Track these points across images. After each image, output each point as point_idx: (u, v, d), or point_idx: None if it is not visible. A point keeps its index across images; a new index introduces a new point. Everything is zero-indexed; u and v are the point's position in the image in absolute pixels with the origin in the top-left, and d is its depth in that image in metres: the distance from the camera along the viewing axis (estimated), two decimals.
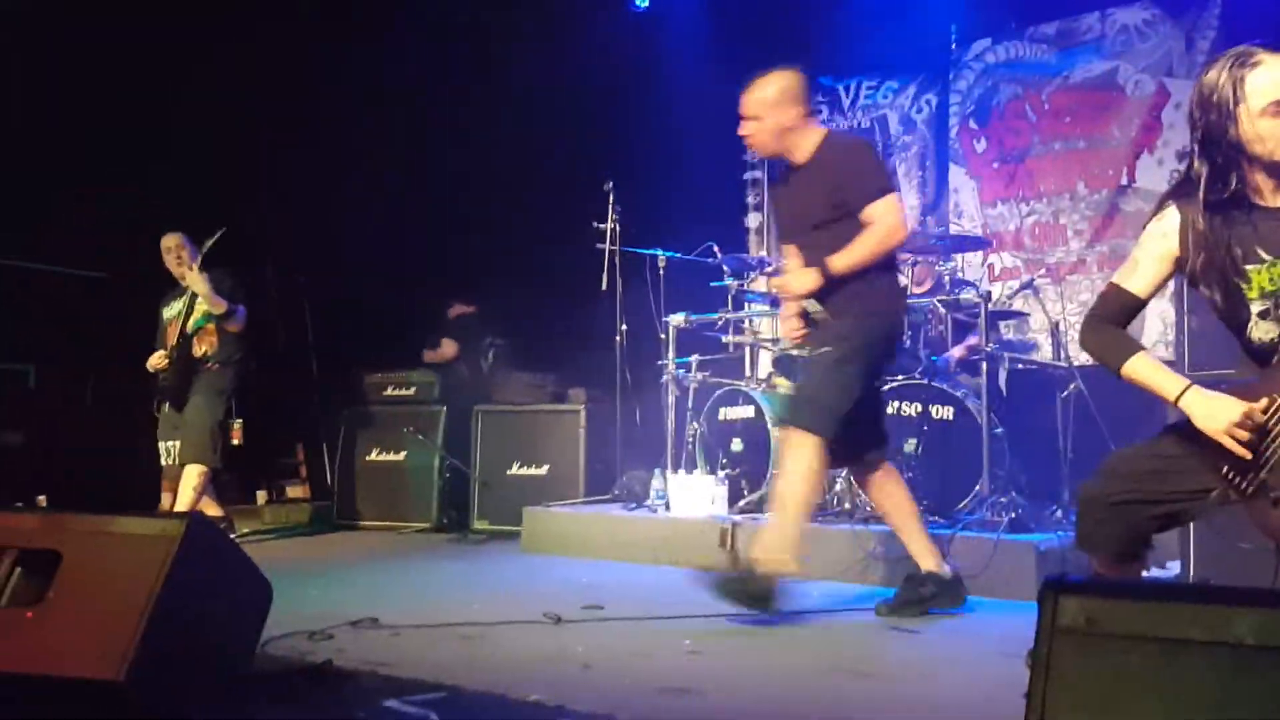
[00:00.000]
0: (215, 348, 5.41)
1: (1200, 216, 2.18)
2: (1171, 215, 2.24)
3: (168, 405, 5.40)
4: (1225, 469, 2.10)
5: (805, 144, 3.58)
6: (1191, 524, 3.38)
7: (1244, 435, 2.03)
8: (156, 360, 5.40)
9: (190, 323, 5.38)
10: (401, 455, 6.39)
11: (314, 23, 6.56)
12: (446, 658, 2.88)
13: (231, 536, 4.88)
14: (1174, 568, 4.11)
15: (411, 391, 6.55)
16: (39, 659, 1.99)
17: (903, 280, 3.69)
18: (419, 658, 2.85)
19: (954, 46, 6.77)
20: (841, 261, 3.43)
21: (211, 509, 5.36)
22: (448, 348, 6.85)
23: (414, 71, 6.76)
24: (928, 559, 3.57)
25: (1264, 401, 2.05)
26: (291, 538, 6.07)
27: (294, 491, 7.00)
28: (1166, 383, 2.16)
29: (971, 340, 5.11)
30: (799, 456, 3.43)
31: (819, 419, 3.39)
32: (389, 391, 6.59)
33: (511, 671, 2.73)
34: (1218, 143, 2.15)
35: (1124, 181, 6.13)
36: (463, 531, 6.03)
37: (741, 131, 3.63)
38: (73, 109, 5.87)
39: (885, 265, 3.55)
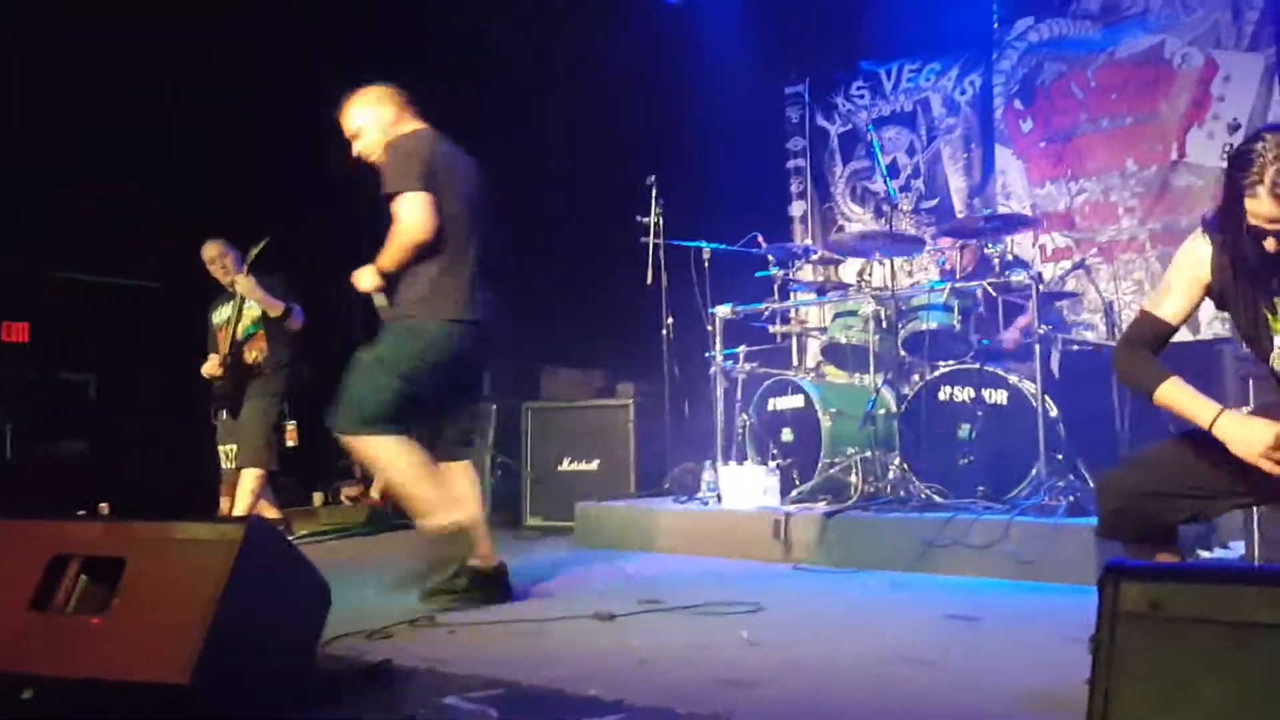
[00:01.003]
0: (266, 353, 5.47)
1: (1231, 246, 2.19)
2: (1204, 242, 2.26)
3: (224, 411, 5.48)
4: (1265, 492, 2.13)
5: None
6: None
7: (1274, 461, 2.04)
8: (210, 367, 5.48)
9: (240, 329, 5.45)
10: None
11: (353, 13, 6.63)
12: (504, 654, 2.90)
13: (289, 538, 4.96)
14: (1237, 548, 4.04)
15: None
16: (107, 665, 2.03)
17: (481, 292, 3.60)
18: (477, 655, 2.87)
19: (996, 26, 6.69)
20: (382, 260, 3.46)
21: (269, 512, 5.45)
22: None
23: (454, 68, 6.81)
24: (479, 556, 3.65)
25: None
26: (348, 538, 6.14)
27: (350, 492, 7.09)
28: (1199, 409, 2.17)
29: (1022, 321, 5.05)
30: (380, 460, 3.54)
31: (347, 420, 3.47)
32: None
33: (569, 666, 2.74)
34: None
35: (1174, 157, 6.02)
36: (516, 528, 6.07)
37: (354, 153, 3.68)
38: (115, 117, 5.98)
39: (445, 267, 3.50)
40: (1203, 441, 2.17)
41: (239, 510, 5.16)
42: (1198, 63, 5.96)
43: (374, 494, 6.75)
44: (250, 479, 5.26)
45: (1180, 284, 2.30)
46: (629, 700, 2.38)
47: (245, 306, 5.41)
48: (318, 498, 7.02)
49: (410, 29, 6.79)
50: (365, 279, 3.55)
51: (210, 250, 5.53)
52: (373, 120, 3.65)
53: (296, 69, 6.56)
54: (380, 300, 3.58)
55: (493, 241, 3.75)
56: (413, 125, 3.66)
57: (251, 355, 5.48)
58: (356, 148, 3.69)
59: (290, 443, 5.50)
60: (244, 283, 5.33)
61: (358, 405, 3.49)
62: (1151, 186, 6.10)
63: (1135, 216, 6.18)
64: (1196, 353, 5.17)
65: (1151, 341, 2.32)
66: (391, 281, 3.53)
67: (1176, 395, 2.22)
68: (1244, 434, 2.09)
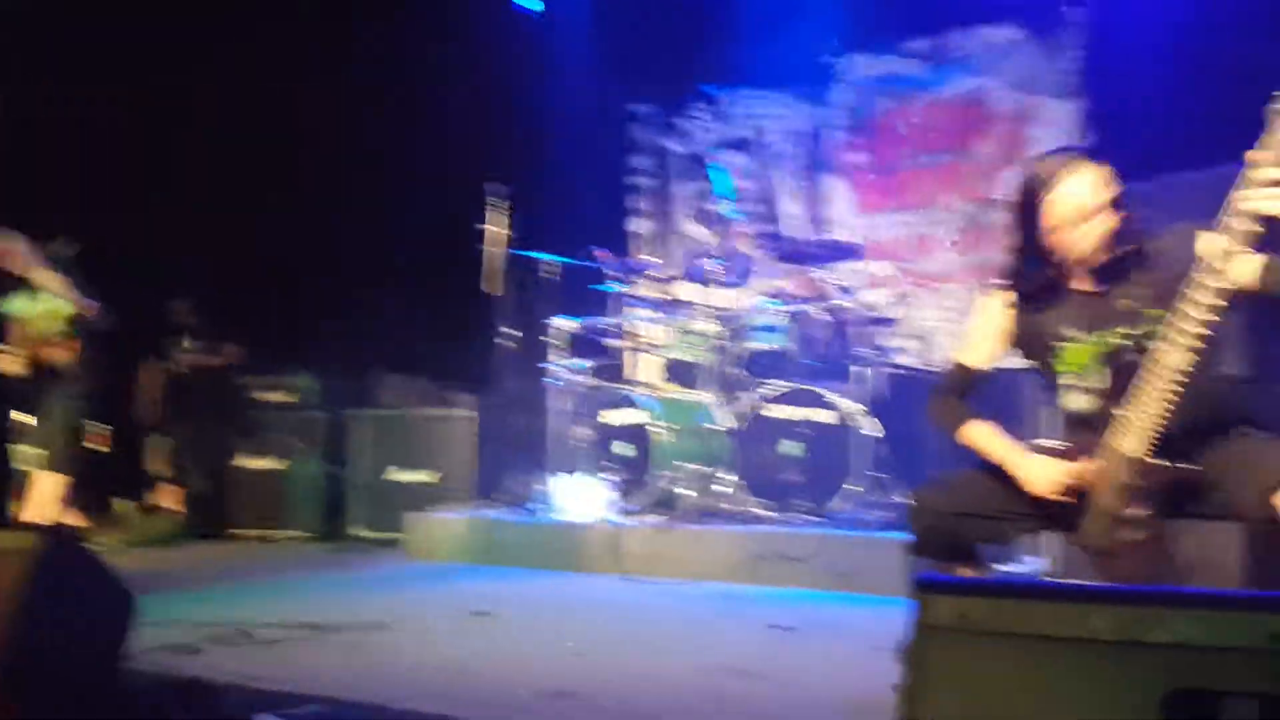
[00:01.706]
0: (72, 353, 5.15)
1: (1020, 297, 2.39)
2: (998, 293, 2.44)
3: (20, 411, 5.13)
4: (1071, 522, 2.27)
5: None
6: None
7: (1067, 498, 2.21)
8: (7, 363, 5.10)
9: (38, 328, 5.10)
10: (276, 461, 6.21)
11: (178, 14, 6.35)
12: (324, 669, 2.81)
13: (92, 548, 4.66)
14: (1033, 561, 4.31)
15: (288, 396, 6.38)
16: None
17: None
18: (294, 670, 2.78)
19: (832, 60, 6.95)
20: None
21: (71, 519, 5.11)
22: (233, 351, 6.64)
23: (295, 68, 6.60)
24: None
25: (1087, 463, 2.22)
26: (157, 548, 5.83)
27: (160, 499, 6.72)
28: (997, 449, 2.35)
29: (843, 342, 5.27)
30: None
31: None
32: (263, 395, 6.40)
33: (391, 680, 2.68)
34: (1032, 234, 2.31)
35: (990, 195, 6.39)
36: (342, 540, 5.90)
37: None
38: None
39: None
40: (1003, 471, 2.33)
41: (38, 518, 4.83)
42: (1015, 106, 6.36)
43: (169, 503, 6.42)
44: (51, 484, 4.93)
45: (981, 333, 2.48)
46: (451, 714, 2.35)
47: (45, 303, 5.06)
48: (124, 505, 6.63)
49: (250, 24, 6.55)
50: None
51: None
52: None
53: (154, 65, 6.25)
54: None
55: None
56: None
57: (59, 356, 5.13)
58: None
59: (96, 446, 5.19)
60: (45, 275, 4.99)
61: None
62: (969, 221, 6.47)
63: (953, 249, 6.53)
64: (1002, 381, 5.50)
65: (959, 387, 2.50)
66: None
67: (978, 437, 2.40)
68: (1034, 473, 2.26)
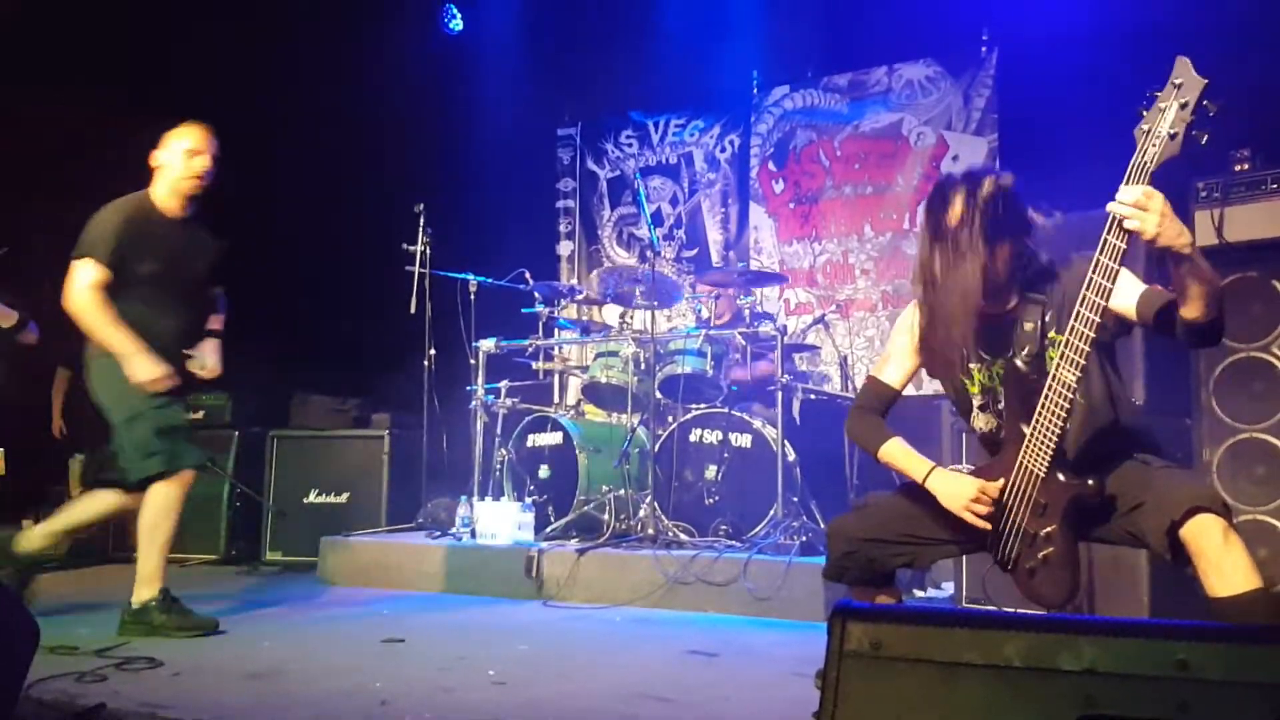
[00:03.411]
0: None
1: (932, 313, 2.41)
2: (913, 313, 2.49)
3: None
4: (987, 542, 2.34)
5: None
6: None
7: (981, 511, 2.27)
8: None
9: None
10: None
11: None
12: (233, 699, 2.75)
13: None
14: (948, 588, 4.41)
15: (199, 415, 6.22)
16: None
17: None
18: (203, 700, 2.70)
19: (755, 91, 7.11)
20: None
21: None
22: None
23: (221, 86, 6.49)
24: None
25: (1000, 481, 2.28)
26: (62, 571, 5.62)
27: None
28: (914, 465, 2.41)
29: (764, 365, 5.35)
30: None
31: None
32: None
33: (305, 710, 2.63)
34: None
35: (906, 226, 6.57)
36: (253, 563, 5.77)
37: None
38: None
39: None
40: (920, 495, 2.38)
41: None
42: (931, 141, 6.55)
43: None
44: None
45: (897, 352, 2.53)
46: None
47: None
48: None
49: (168, 44, 6.43)
50: None
51: None
52: None
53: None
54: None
55: None
56: None
57: None
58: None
59: None
60: None
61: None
62: (885, 251, 6.63)
63: (870, 278, 6.69)
64: (917, 407, 5.64)
65: (877, 405, 2.54)
66: None
67: (896, 454, 2.45)
68: (950, 489, 2.31)
